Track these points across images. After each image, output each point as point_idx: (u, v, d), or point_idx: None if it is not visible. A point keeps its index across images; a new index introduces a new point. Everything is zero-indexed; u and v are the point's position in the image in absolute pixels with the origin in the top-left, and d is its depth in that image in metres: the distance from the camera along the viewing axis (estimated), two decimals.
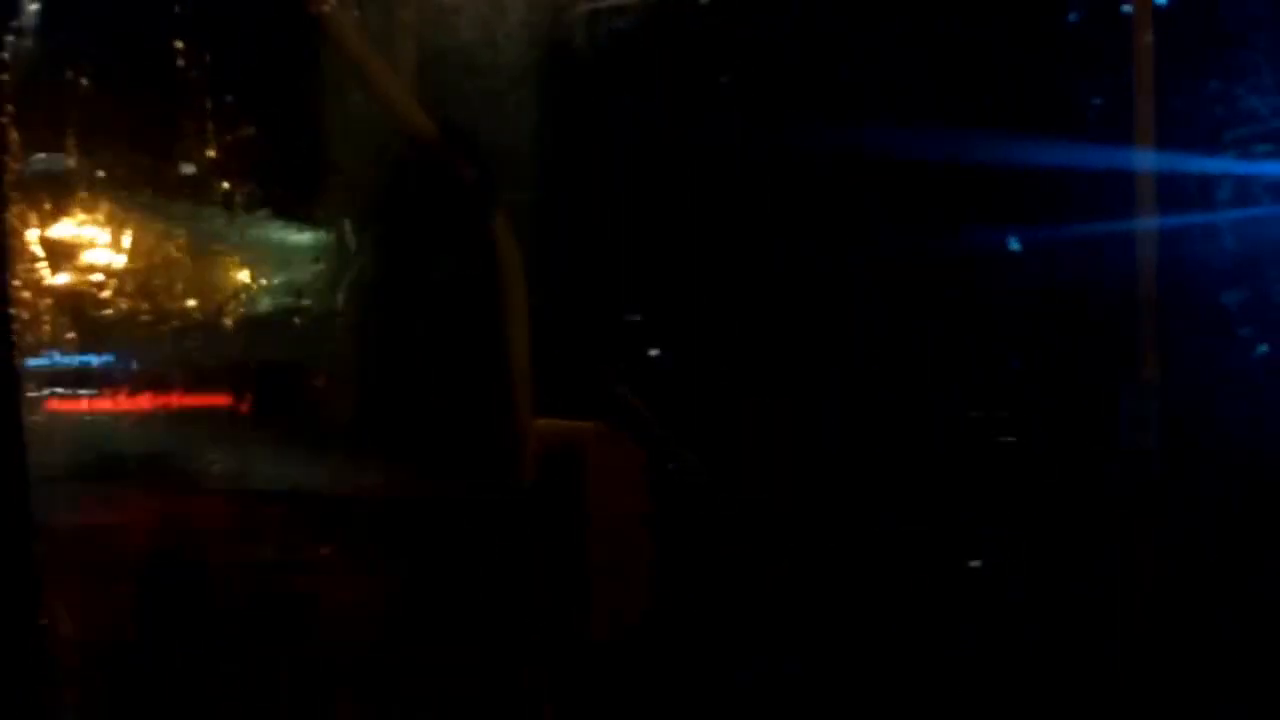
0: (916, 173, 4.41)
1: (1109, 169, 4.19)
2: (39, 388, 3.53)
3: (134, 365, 3.92)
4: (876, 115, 4.45)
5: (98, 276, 3.81)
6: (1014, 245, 4.44)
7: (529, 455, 3.93)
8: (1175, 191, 4.22)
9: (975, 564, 4.57)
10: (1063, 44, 4.34)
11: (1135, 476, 4.41)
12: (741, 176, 4.64)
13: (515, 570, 3.91)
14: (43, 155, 3.62)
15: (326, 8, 3.69)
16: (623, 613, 4.11)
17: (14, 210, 2.80)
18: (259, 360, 4.08)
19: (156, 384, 3.91)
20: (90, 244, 3.81)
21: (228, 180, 3.87)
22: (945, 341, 4.61)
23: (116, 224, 3.85)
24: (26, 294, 3.34)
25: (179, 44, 3.68)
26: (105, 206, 3.82)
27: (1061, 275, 4.39)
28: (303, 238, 4.22)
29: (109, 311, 3.81)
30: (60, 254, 3.71)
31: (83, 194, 3.77)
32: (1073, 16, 4.31)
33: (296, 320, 4.15)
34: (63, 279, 3.69)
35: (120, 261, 3.86)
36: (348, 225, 4.08)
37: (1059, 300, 4.43)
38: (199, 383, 3.97)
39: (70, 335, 3.68)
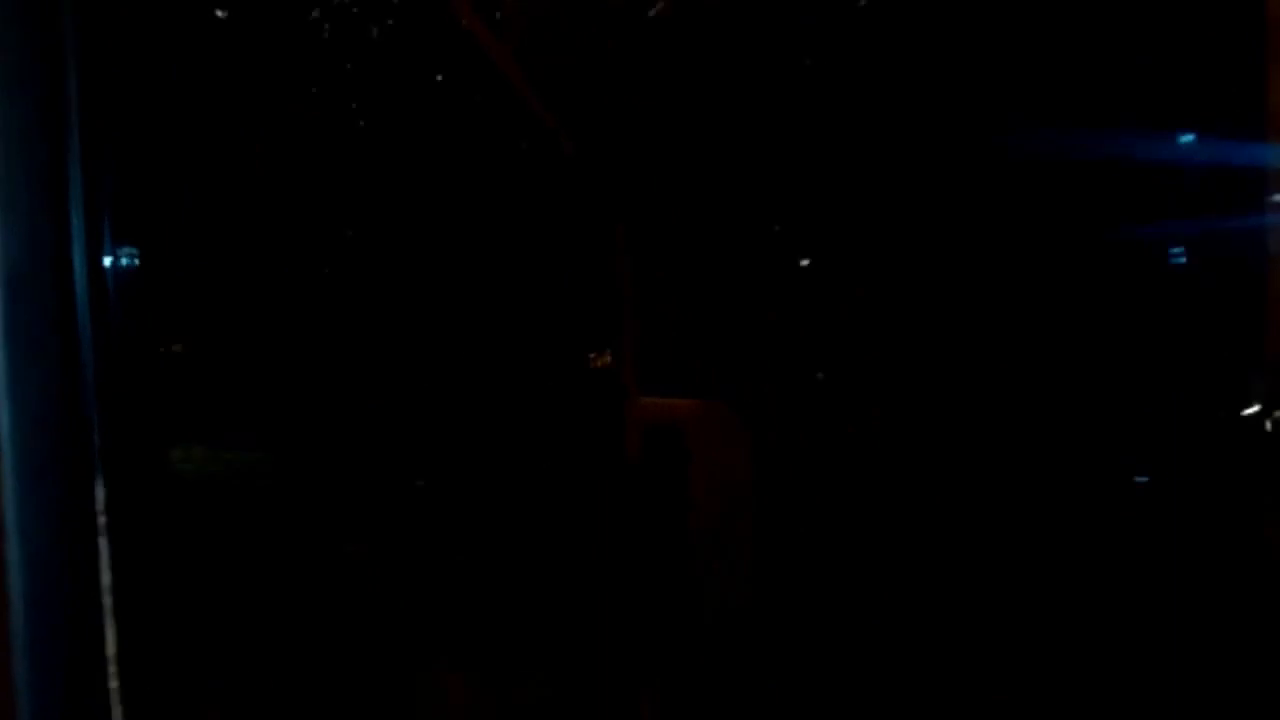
0: (1053, 170, 4.34)
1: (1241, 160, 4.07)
2: None
3: None
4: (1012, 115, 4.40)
5: None
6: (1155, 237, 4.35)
7: (635, 431, 3.98)
8: None
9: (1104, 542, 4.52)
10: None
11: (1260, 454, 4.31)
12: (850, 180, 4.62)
13: (621, 548, 3.98)
14: None
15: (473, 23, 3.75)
16: (727, 598, 4.16)
17: None
18: None
19: None
20: None
21: None
22: (1092, 327, 4.56)
23: None
24: None
25: None
26: None
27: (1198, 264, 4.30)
28: None
29: None
30: None
31: None
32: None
33: None
34: None
35: None
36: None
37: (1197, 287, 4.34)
38: None
39: None
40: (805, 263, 4.63)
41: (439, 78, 4.05)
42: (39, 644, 1.27)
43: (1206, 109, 4.14)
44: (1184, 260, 4.31)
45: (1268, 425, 4.33)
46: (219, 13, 3.39)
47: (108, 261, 1.41)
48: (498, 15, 4.20)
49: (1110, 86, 4.28)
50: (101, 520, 1.29)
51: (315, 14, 3.83)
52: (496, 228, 4.18)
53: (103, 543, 1.30)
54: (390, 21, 3.94)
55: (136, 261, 1.44)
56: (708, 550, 4.08)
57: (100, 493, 1.30)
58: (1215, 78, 4.14)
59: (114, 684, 1.30)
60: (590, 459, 4.01)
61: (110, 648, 1.31)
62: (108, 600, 1.30)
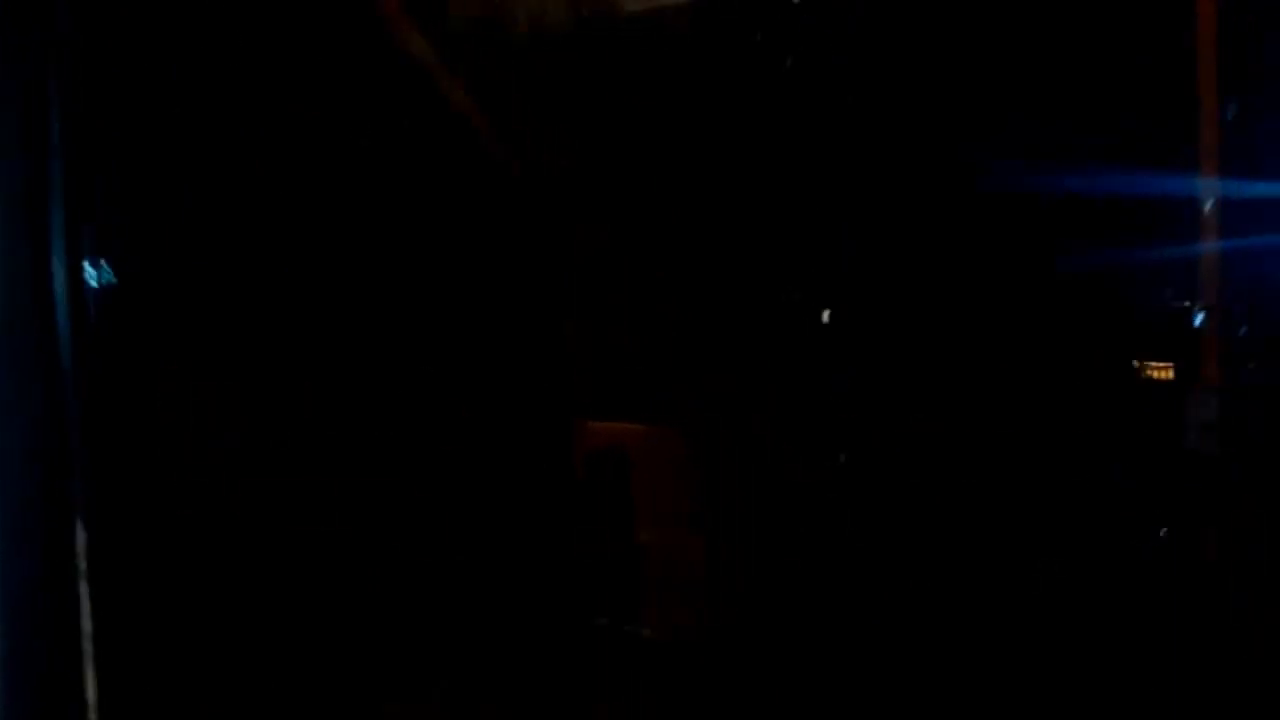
0: (990, 198, 4.40)
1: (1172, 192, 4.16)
2: None
3: None
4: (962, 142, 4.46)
5: None
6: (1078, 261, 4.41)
7: (579, 454, 3.99)
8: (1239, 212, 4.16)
9: (1041, 568, 4.56)
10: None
11: (1200, 481, 4.37)
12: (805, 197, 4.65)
13: (565, 566, 3.97)
14: None
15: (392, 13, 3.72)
16: (673, 614, 4.16)
17: None
18: None
19: None
20: None
21: None
22: (1015, 350, 4.59)
23: None
24: None
25: None
26: None
27: (1128, 281, 4.35)
28: None
29: None
30: None
31: None
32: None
33: None
34: None
35: None
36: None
37: (1126, 307, 4.39)
38: None
39: None
40: (757, 284, 4.65)
41: (379, 99, 4.02)
42: (17, 692, 1.24)
43: (1139, 142, 4.21)
44: (1117, 291, 4.37)
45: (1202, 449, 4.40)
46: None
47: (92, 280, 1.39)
48: (445, 36, 4.18)
49: (1042, 118, 4.34)
50: (82, 566, 1.26)
51: (266, 38, 3.79)
52: (439, 251, 4.17)
53: (83, 588, 1.28)
54: (336, 46, 3.91)
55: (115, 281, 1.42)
56: (652, 574, 4.08)
57: (81, 538, 1.28)
58: (1147, 110, 4.21)
59: None
60: (533, 482, 4.01)
61: (90, 695, 1.29)
62: (88, 648, 1.28)
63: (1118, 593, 4.43)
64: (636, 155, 4.65)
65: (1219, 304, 4.23)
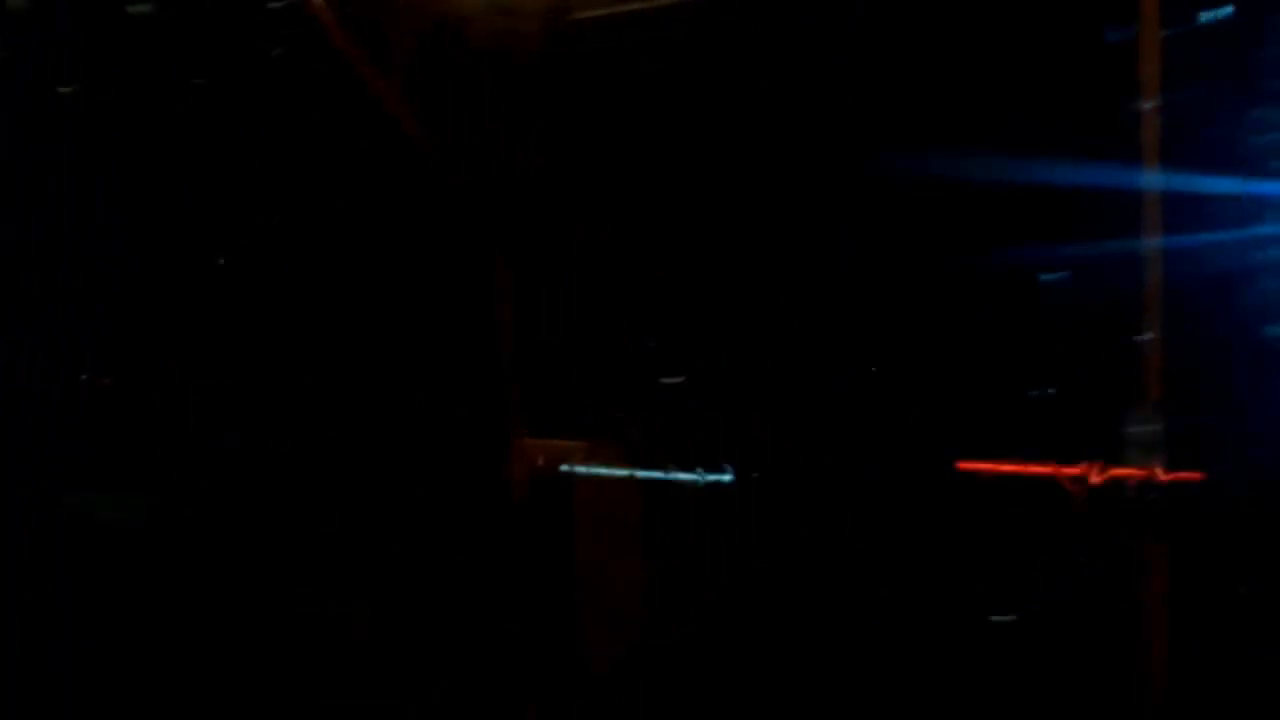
0: (919, 192, 4.38)
1: (1116, 188, 4.15)
2: None
3: None
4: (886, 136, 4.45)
5: None
6: (1018, 264, 4.38)
7: (519, 473, 3.90)
8: (1182, 211, 4.17)
9: (972, 586, 4.52)
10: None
11: (1141, 498, 4.35)
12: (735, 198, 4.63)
13: (505, 589, 3.88)
14: None
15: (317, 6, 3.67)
16: (615, 639, 4.07)
17: None
18: None
19: None
20: None
21: None
22: (947, 359, 4.56)
23: None
24: None
25: None
26: None
27: (1067, 295, 4.35)
28: None
29: None
30: None
31: None
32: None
33: None
34: None
35: None
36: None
37: (1065, 320, 4.38)
38: None
39: None
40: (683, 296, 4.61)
41: (314, 110, 3.96)
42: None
43: (1081, 132, 4.23)
44: (1060, 288, 4.36)
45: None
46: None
47: None
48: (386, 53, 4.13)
49: (986, 108, 4.36)
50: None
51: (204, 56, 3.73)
52: (370, 264, 4.09)
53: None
54: (274, 56, 3.85)
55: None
56: (594, 592, 3.99)
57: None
58: (1090, 101, 4.24)
59: None
60: (472, 499, 3.92)
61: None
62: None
63: (1054, 612, 4.41)
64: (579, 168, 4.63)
65: (1161, 311, 4.25)
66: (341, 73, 3.93)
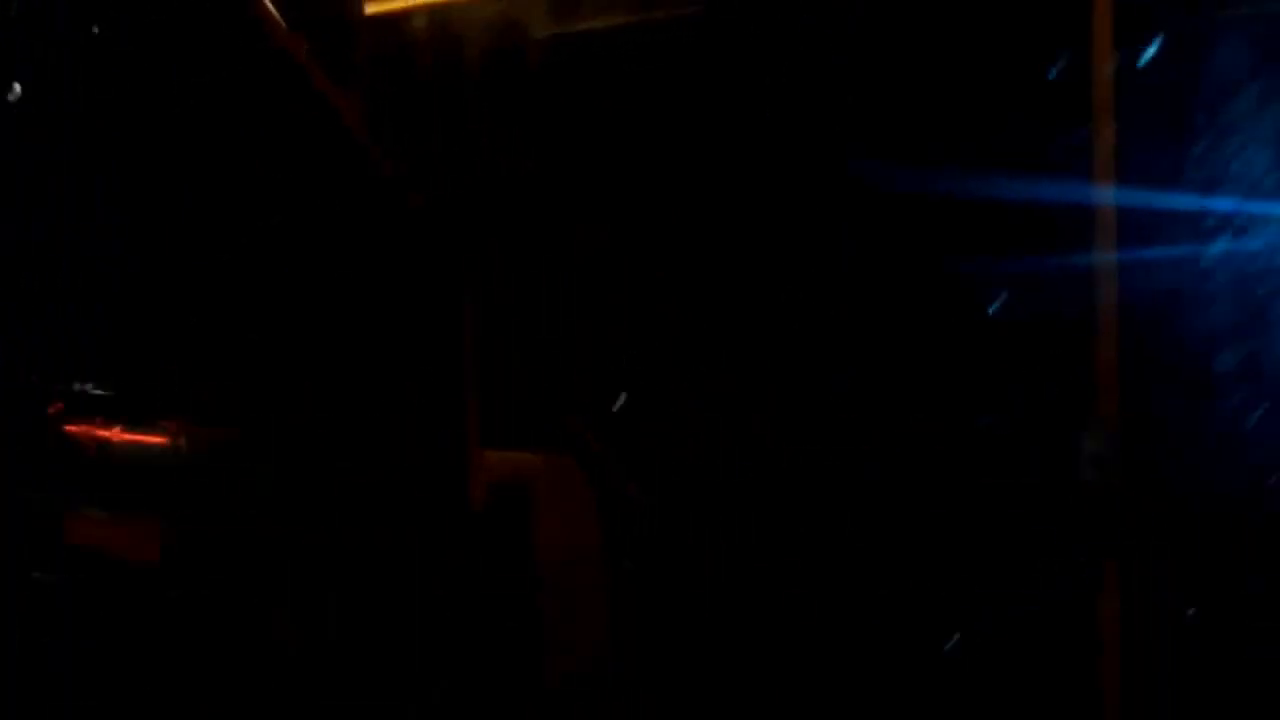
0: (875, 207, 4.42)
1: (1069, 205, 4.20)
2: None
3: None
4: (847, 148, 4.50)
5: None
6: (973, 279, 4.42)
7: (478, 486, 3.88)
8: (1135, 228, 4.22)
9: (935, 603, 4.53)
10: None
11: (1094, 514, 4.38)
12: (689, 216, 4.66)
13: (464, 601, 3.86)
14: None
15: (290, 41, 3.67)
16: (575, 649, 4.05)
17: None
18: None
19: None
20: None
21: None
22: (904, 376, 4.58)
23: None
24: None
25: None
26: None
27: (1022, 310, 4.38)
28: None
29: None
30: None
31: None
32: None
33: None
34: None
35: None
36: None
37: (1020, 335, 4.41)
38: None
39: None
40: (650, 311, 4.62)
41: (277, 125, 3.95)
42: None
43: (1034, 146, 4.27)
44: (1009, 306, 4.39)
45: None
46: None
47: None
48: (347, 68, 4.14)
49: (939, 124, 4.40)
50: None
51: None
52: (335, 279, 4.07)
53: None
54: (231, 69, 3.84)
55: None
56: (554, 607, 3.97)
57: None
58: (1043, 117, 4.29)
59: None
60: (430, 512, 3.89)
61: None
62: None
63: (1012, 624, 4.43)
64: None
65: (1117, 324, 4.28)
66: (300, 88, 3.93)
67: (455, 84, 4.58)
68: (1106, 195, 4.19)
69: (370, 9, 4.27)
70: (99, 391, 3.36)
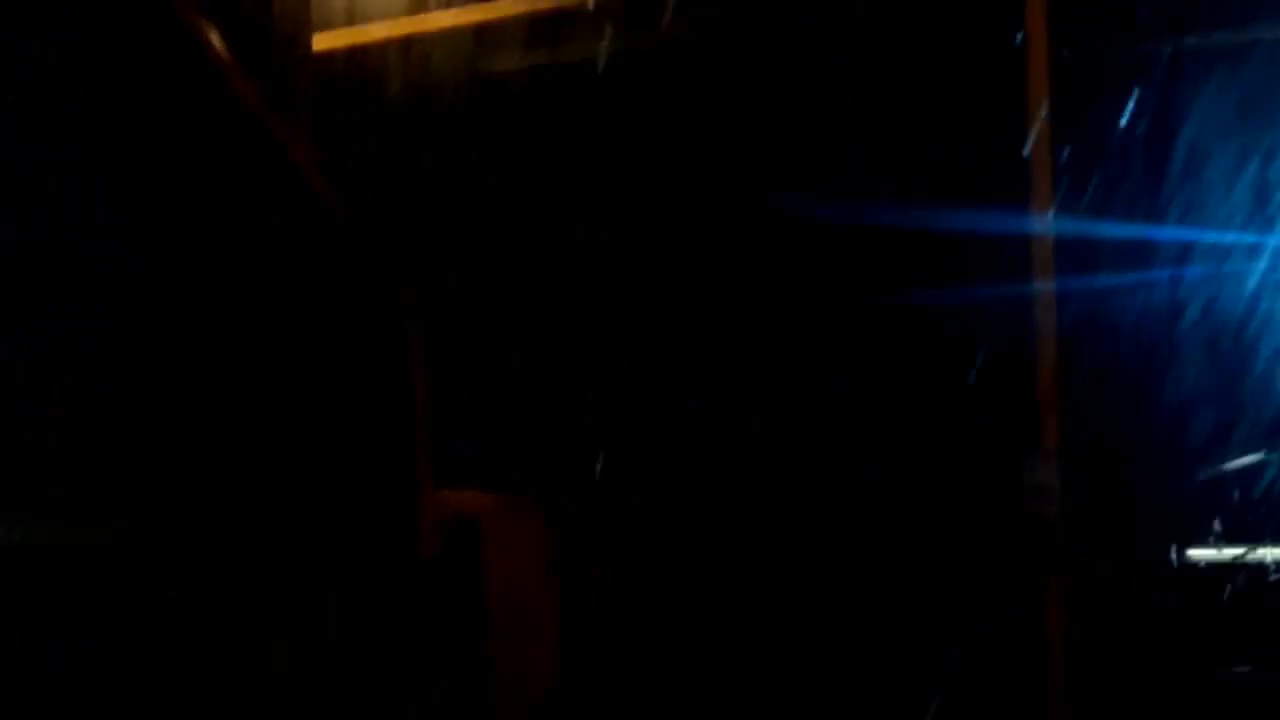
0: (814, 236, 4.45)
1: (1007, 233, 4.25)
2: None
3: None
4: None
5: None
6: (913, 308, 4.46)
7: (429, 526, 3.84)
8: (1073, 256, 4.28)
9: (881, 632, 4.53)
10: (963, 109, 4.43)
11: (1037, 544, 4.40)
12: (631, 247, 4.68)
13: (415, 641, 3.80)
14: None
15: (227, 64, 3.63)
16: (526, 690, 4.01)
17: None
18: None
19: None
20: None
21: None
22: (844, 403, 4.60)
23: None
24: None
25: None
26: None
27: (963, 340, 4.41)
28: None
29: None
30: None
31: None
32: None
33: None
34: None
35: None
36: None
37: (962, 364, 4.44)
38: None
39: None
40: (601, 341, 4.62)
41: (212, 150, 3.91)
42: None
43: (972, 177, 4.32)
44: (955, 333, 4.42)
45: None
46: None
47: None
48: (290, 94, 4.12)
49: (880, 154, 4.45)
50: None
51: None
52: (278, 312, 4.03)
53: None
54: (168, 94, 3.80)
55: None
56: (505, 647, 3.93)
57: None
58: (981, 147, 4.34)
59: None
60: (380, 550, 3.84)
61: None
62: None
63: (956, 653, 4.43)
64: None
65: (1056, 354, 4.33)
66: (244, 122, 3.89)
67: (404, 115, 4.58)
68: (1045, 224, 4.26)
69: (318, 45, 4.26)
70: None
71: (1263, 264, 4.16)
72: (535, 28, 4.75)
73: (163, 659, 3.45)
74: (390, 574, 3.83)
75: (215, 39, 3.71)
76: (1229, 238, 4.17)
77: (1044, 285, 4.25)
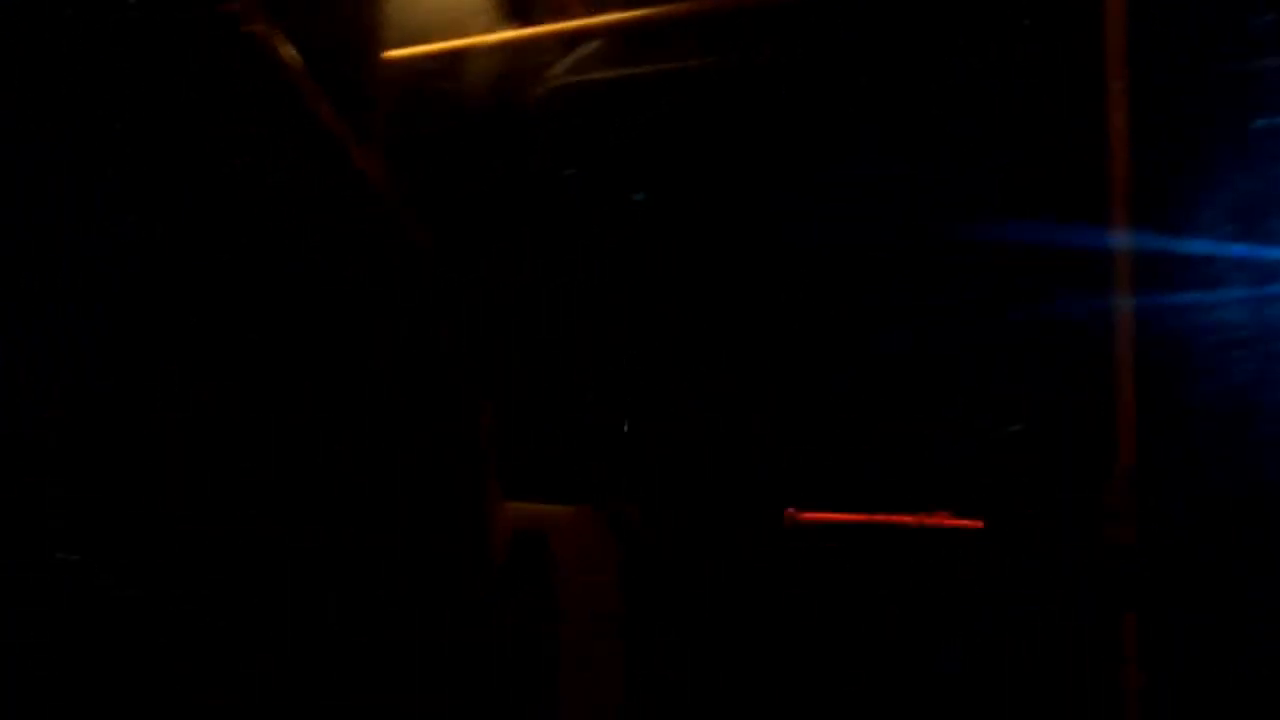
0: (888, 255, 4.42)
1: (1086, 249, 4.20)
2: None
3: None
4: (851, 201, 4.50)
5: None
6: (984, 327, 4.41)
7: (498, 539, 3.83)
8: (1153, 273, 4.21)
9: (947, 663, 4.47)
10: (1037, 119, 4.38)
11: (1115, 572, 4.32)
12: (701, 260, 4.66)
13: (483, 658, 3.79)
14: None
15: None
16: (593, 713, 3.99)
17: None
18: None
19: None
20: None
21: None
22: (916, 429, 4.55)
23: None
24: None
25: None
26: None
27: (1038, 358, 4.36)
28: None
29: None
30: None
31: None
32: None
33: None
34: None
35: None
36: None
37: (1036, 385, 4.38)
38: None
39: None
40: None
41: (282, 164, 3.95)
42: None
43: (1052, 191, 4.28)
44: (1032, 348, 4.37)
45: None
46: None
47: None
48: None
49: (958, 170, 4.41)
50: None
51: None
52: (352, 327, 4.05)
53: None
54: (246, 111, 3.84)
55: None
56: (575, 664, 3.91)
57: None
58: (1061, 160, 4.29)
59: None
60: (450, 564, 3.84)
61: None
62: None
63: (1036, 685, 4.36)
64: None
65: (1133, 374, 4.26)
66: (320, 139, 3.93)
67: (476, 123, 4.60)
68: (1124, 238, 4.20)
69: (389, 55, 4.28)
70: None
71: None
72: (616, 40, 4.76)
73: (220, 663, 3.47)
74: (460, 585, 3.84)
75: (287, 52, 3.74)
76: None
77: (1123, 300, 4.19)
